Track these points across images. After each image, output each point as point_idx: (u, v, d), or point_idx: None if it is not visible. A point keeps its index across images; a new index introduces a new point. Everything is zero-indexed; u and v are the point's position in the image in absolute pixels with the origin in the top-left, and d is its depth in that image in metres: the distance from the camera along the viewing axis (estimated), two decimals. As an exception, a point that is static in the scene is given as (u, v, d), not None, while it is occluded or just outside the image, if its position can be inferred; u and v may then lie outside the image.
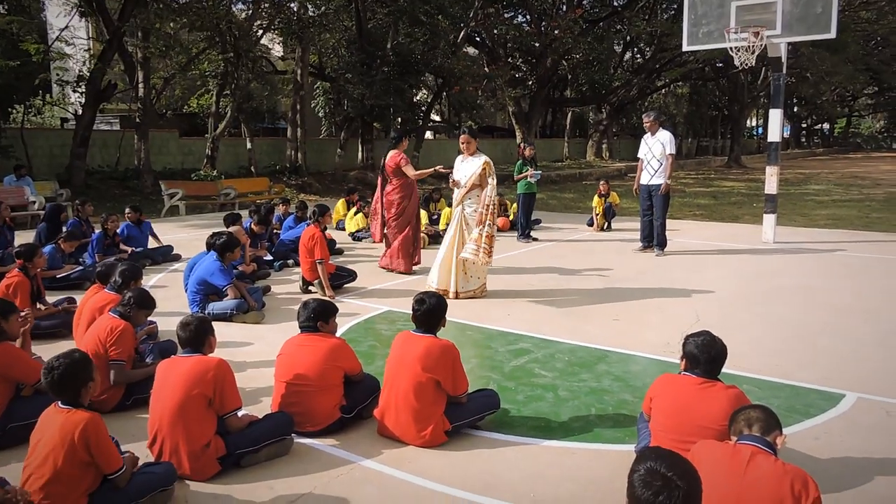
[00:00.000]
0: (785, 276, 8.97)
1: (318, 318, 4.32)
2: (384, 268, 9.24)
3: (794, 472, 2.66)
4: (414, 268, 9.14)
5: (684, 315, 7.06)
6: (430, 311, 4.17)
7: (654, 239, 10.70)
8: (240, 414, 3.89)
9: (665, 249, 10.65)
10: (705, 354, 3.49)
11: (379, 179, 9.28)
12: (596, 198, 13.51)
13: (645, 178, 10.56)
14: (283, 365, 4.26)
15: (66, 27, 19.94)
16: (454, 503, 3.52)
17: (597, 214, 13.41)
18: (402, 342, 4.24)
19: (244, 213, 11.09)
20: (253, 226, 9.66)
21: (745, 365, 5.50)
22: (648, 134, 10.58)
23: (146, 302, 4.82)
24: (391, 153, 8.97)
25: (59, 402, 3.28)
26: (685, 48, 11.90)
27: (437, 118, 38.38)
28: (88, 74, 18.86)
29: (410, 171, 8.87)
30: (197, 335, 3.86)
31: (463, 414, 4.20)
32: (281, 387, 4.23)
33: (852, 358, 5.75)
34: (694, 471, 2.14)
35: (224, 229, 7.91)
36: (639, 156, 10.85)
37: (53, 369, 3.24)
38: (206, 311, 6.63)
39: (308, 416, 4.16)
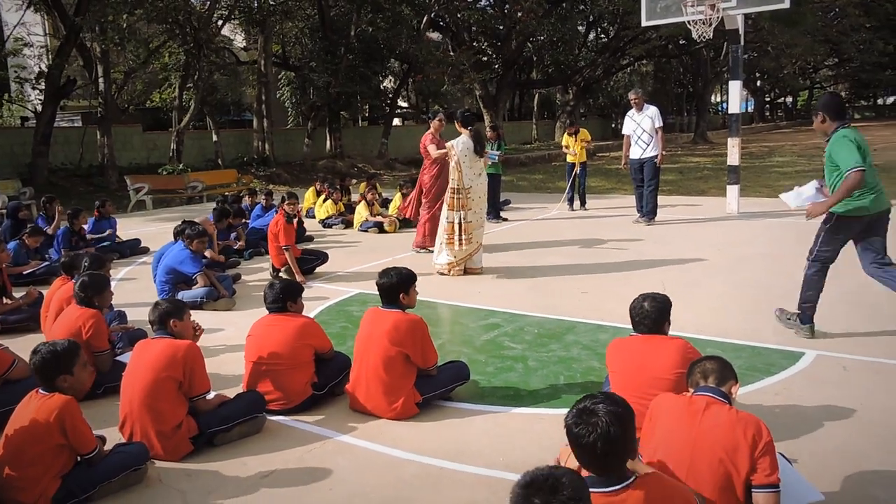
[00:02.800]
0: (748, 245, 9.16)
1: (286, 297, 4.36)
2: (418, 247, 9.34)
3: (747, 418, 2.76)
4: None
5: (650, 285, 7.14)
6: (393, 286, 4.22)
7: (644, 209, 11.00)
8: (210, 396, 3.93)
9: (654, 219, 10.99)
10: (641, 315, 3.63)
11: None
12: (566, 136, 13.40)
13: (637, 153, 10.77)
14: (253, 345, 4.30)
15: (21, 23, 19.53)
16: (425, 470, 3.59)
17: (569, 151, 13.10)
18: (371, 318, 4.29)
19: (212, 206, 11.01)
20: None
21: (709, 329, 5.65)
22: (634, 110, 10.76)
23: (101, 283, 4.79)
24: (424, 134, 9.31)
25: (40, 389, 3.33)
26: (644, 23, 12.02)
27: (405, 105, 38.28)
28: (46, 71, 18.51)
29: (432, 152, 9.05)
30: (166, 316, 3.90)
31: (433, 386, 4.28)
32: (251, 366, 4.27)
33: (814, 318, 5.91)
34: (625, 405, 2.34)
35: (193, 220, 7.87)
36: (625, 132, 11.02)
37: (36, 353, 3.33)
38: (176, 301, 6.61)
39: (280, 395, 4.21)
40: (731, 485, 2.69)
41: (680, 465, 2.76)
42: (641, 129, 10.62)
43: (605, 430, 2.20)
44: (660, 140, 10.60)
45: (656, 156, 10.60)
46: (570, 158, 13.09)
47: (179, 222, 7.40)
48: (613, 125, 45.80)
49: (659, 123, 10.55)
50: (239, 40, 30.36)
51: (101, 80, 19.12)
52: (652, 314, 3.66)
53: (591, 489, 2.05)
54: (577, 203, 13.19)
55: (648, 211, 10.94)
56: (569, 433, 2.30)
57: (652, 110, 10.62)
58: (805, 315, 5.49)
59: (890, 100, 69.35)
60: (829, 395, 4.32)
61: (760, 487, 2.67)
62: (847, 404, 4.16)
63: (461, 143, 7.76)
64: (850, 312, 5.99)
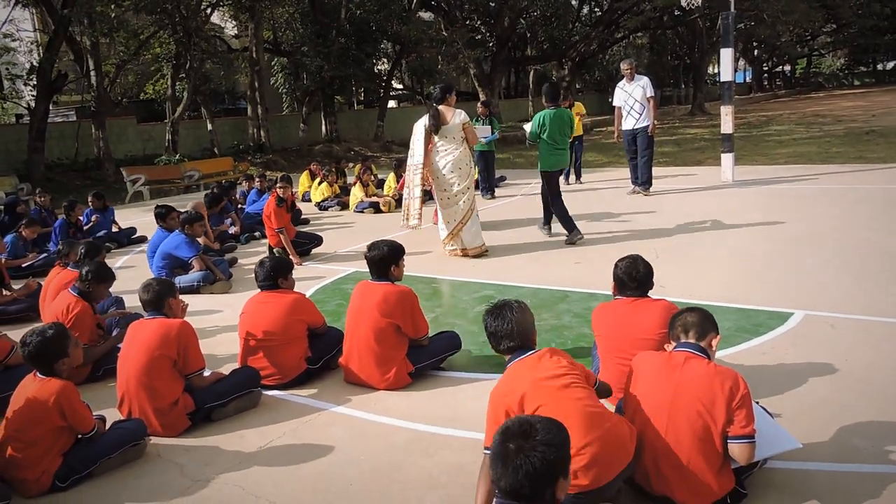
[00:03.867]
0: (742, 211, 9.20)
1: (277, 274, 4.44)
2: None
3: (724, 372, 2.83)
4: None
5: (644, 254, 7.20)
6: (382, 258, 4.29)
7: (640, 178, 11.02)
8: (206, 374, 4.02)
9: (650, 189, 11.02)
10: (630, 276, 3.68)
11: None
12: None
13: (630, 124, 10.81)
14: (247, 322, 4.38)
15: (9, 20, 19.51)
16: (417, 436, 3.69)
17: None
18: (361, 291, 4.37)
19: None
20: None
21: (700, 294, 5.70)
22: (625, 81, 10.80)
23: (104, 275, 4.86)
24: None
25: (37, 372, 3.41)
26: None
27: (400, 87, 38.16)
28: (37, 66, 18.51)
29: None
30: (158, 297, 3.96)
31: (425, 356, 4.36)
32: (245, 343, 4.35)
33: (802, 280, 5.98)
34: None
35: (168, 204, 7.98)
36: (615, 104, 11.05)
37: (26, 345, 3.39)
38: (173, 286, 6.70)
39: (275, 370, 4.30)
40: (709, 436, 2.76)
41: (659, 419, 2.84)
42: (633, 99, 10.65)
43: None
44: (652, 109, 10.63)
45: (648, 125, 10.62)
46: None
47: (155, 206, 7.53)
48: (610, 99, 45.53)
49: (650, 93, 10.57)
50: (230, 28, 30.23)
51: (92, 73, 19.11)
52: (643, 277, 3.72)
53: None
54: (572, 177, 13.21)
55: (644, 181, 10.97)
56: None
57: (644, 80, 10.64)
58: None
59: (890, 65, 68.74)
60: (816, 352, 4.39)
61: (736, 438, 2.74)
62: (832, 361, 4.23)
63: (422, 120, 7.59)
64: (837, 275, 6.04)
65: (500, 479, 1.97)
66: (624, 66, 10.90)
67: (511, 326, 3.00)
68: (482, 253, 7.72)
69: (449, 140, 7.50)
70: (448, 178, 7.54)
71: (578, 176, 13.28)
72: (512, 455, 1.95)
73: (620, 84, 10.92)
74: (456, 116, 7.43)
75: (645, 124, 10.65)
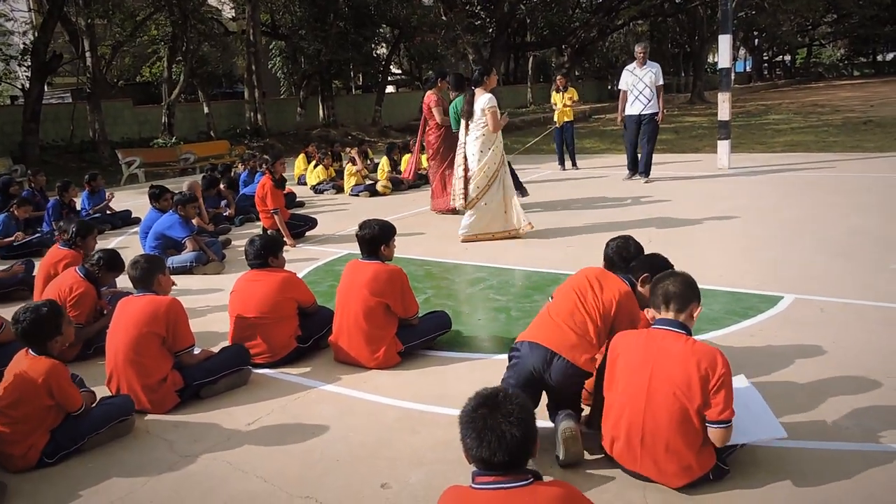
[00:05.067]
0: (737, 198, 9.21)
1: (268, 253, 4.44)
2: (435, 211, 9.32)
3: (702, 350, 2.79)
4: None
5: (637, 238, 7.25)
6: (373, 237, 4.30)
7: (640, 166, 10.94)
8: (196, 352, 4.03)
9: (649, 176, 10.97)
10: (620, 255, 3.67)
11: (421, 121, 9.50)
12: (554, 93, 13.21)
13: (637, 108, 10.61)
14: (237, 300, 4.39)
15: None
16: (405, 414, 3.71)
17: (556, 109, 12.97)
18: (351, 269, 4.38)
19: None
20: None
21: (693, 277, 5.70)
22: (636, 64, 10.62)
23: (115, 264, 4.83)
24: (426, 94, 9.23)
25: (29, 349, 3.41)
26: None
27: (398, 71, 38.02)
28: (31, 47, 18.40)
29: (437, 116, 9.00)
30: (146, 273, 3.96)
31: (415, 335, 4.37)
32: (236, 321, 4.36)
33: (793, 265, 6.00)
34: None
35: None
36: (622, 87, 10.87)
37: (19, 322, 3.38)
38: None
39: (265, 348, 4.31)
40: (687, 417, 2.76)
41: (638, 401, 2.85)
42: (644, 83, 10.45)
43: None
44: (661, 97, 10.56)
45: (657, 113, 10.53)
46: (554, 117, 13.05)
47: (149, 186, 7.52)
48: (609, 87, 45.47)
49: (661, 80, 10.48)
50: (227, 10, 30.04)
51: (88, 55, 19.00)
52: (633, 256, 3.70)
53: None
54: (568, 163, 13.19)
55: (644, 169, 10.93)
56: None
57: (655, 66, 10.50)
58: None
59: (889, 56, 68.65)
60: (804, 335, 4.41)
61: (713, 423, 2.75)
62: (821, 343, 4.25)
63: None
64: (828, 261, 6.07)
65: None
66: (638, 48, 10.75)
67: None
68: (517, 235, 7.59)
69: (477, 123, 7.40)
70: (476, 158, 7.41)
71: (574, 162, 13.25)
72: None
73: (630, 67, 10.73)
74: (480, 101, 7.34)
75: (653, 111, 10.52)
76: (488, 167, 7.37)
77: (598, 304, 3.29)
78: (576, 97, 13.23)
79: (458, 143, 7.71)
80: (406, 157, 11.89)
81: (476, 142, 7.39)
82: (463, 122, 7.58)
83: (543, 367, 3.22)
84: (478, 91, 7.42)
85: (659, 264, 3.42)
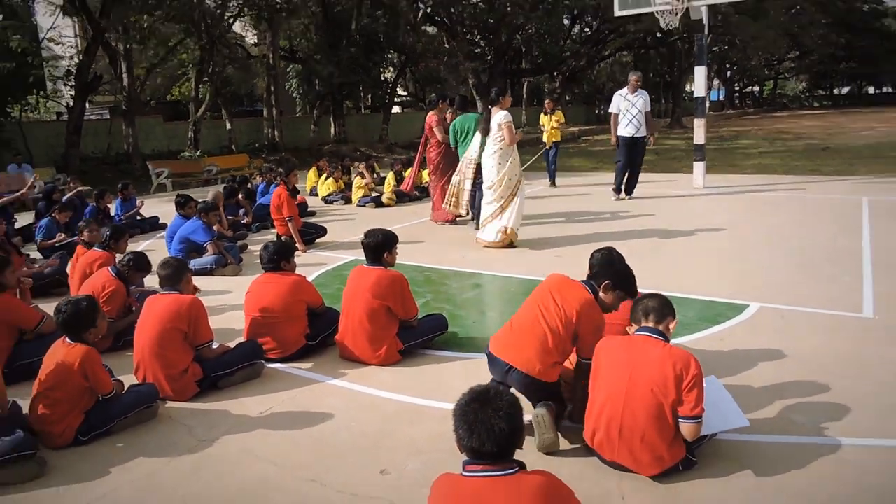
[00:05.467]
0: (710, 214, 9.24)
1: (280, 257, 4.45)
2: (435, 221, 9.34)
3: (677, 354, 2.83)
4: (457, 219, 9.20)
5: (619, 249, 7.24)
6: (377, 245, 4.31)
7: (629, 187, 10.92)
8: (214, 346, 4.04)
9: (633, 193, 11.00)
10: (600, 266, 3.63)
11: (422, 139, 9.55)
12: (542, 115, 13.10)
13: (630, 131, 10.51)
14: (251, 300, 4.39)
15: (53, 27, 19.49)
16: (404, 407, 3.71)
17: (545, 130, 12.88)
18: (356, 274, 4.38)
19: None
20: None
21: (668, 286, 5.68)
22: (628, 91, 10.54)
23: (143, 265, 4.86)
24: (428, 115, 9.25)
25: (67, 338, 3.44)
26: (616, 13, 11.92)
27: (404, 93, 38.10)
28: (76, 69, 18.50)
29: (439, 135, 9.05)
30: (175, 272, 3.99)
31: (414, 335, 4.37)
32: (250, 319, 4.37)
33: (759, 276, 6.02)
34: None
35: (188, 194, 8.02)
36: (613, 111, 10.73)
37: (61, 312, 3.43)
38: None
39: (276, 344, 4.31)
40: (662, 413, 2.79)
41: (618, 396, 2.86)
42: (637, 108, 10.40)
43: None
44: (651, 121, 10.58)
45: (646, 136, 10.55)
46: (544, 138, 12.98)
47: (175, 195, 7.58)
48: (597, 111, 45.60)
49: (648, 107, 10.48)
50: (250, 36, 30.15)
51: (125, 76, 19.10)
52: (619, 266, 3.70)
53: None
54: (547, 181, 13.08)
55: (631, 189, 10.92)
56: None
57: (644, 94, 10.49)
58: None
59: (845, 90, 69.20)
60: (767, 340, 4.43)
61: (685, 419, 2.77)
62: (781, 347, 4.27)
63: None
64: (793, 272, 6.09)
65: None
66: (633, 77, 10.68)
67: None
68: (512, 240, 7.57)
69: (494, 138, 7.43)
70: (495, 170, 7.39)
71: (552, 181, 13.03)
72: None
73: (622, 93, 10.61)
74: (497, 117, 7.39)
75: (644, 134, 10.52)
76: (509, 177, 7.38)
77: (559, 314, 3.23)
78: (562, 119, 13.21)
79: (465, 157, 7.83)
80: (409, 171, 11.91)
81: (494, 155, 7.41)
82: (479, 137, 7.69)
83: (503, 377, 3.28)
84: (494, 109, 7.51)
85: (620, 272, 3.37)
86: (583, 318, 3.23)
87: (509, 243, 7.54)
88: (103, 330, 3.64)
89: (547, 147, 12.95)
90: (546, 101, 13.52)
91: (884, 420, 3.31)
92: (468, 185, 7.84)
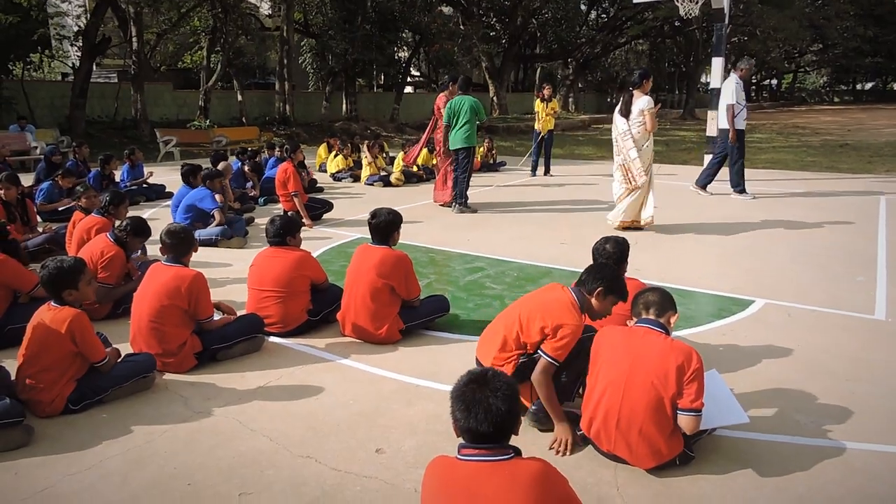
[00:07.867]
0: (717, 209, 9.15)
1: (286, 232, 4.42)
2: (437, 202, 9.30)
3: (678, 347, 2.80)
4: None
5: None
6: (383, 225, 4.27)
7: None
8: (216, 317, 4.02)
9: None
10: (604, 255, 3.68)
11: (431, 121, 9.48)
12: (538, 101, 12.48)
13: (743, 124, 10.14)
14: (255, 274, 4.37)
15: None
16: (402, 386, 3.69)
17: (539, 118, 12.35)
18: (361, 253, 4.35)
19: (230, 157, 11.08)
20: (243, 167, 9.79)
21: (672, 278, 5.68)
22: (737, 77, 9.99)
23: (141, 229, 4.80)
24: (438, 96, 9.17)
25: (52, 302, 3.38)
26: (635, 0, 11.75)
27: (417, 73, 37.86)
28: (83, 29, 18.38)
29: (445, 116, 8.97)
30: (181, 244, 3.95)
31: (415, 315, 4.35)
32: (253, 293, 4.35)
33: (767, 273, 5.96)
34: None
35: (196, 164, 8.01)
36: (738, 101, 10.03)
37: (45, 268, 3.38)
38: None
39: (278, 319, 4.29)
40: (661, 405, 2.76)
41: (617, 388, 2.83)
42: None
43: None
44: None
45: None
46: (537, 126, 12.46)
47: (182, 164, 7.56)
48: (609, 99, 45.23)
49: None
50: (264, 8, 29.93)
51: (134, 40, 18.96)
52: (614, 255, 3.71)
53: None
54: (540, 170, 12.73)
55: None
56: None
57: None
58: None
59: (868, 85, 68.16)
60: (771, 336, 4.38)
61: (684, 411, 2.74)
62: (786, 345, 4.23)
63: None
64: (801, 269, 6.02)
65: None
66: (748, 64, 10.16)
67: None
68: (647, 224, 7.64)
69: (633, 122, 7.29)
70: (634, 154, 7.33)
71: (547, 169, 12.76)
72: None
73: (738, 81, 9.87)
74: (639, 102, 7.25)
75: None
76: (642, 161, 7.33)
77: (519, 342, 3.18)
78: (557, 108, 12.79)
79: (614, 136, 7.54)
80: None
81: (629, 139, 7.31)
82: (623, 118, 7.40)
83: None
84: (636, 92, 7.31)
85: (610, 275, 3.21)
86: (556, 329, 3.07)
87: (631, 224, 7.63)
88: (89, 297, 3.53)
89: (542, 134, 12.45)
90: (544, 86, 12.84)
91: (891, 425, 3.25)
92: (633, 154, 7.36)
